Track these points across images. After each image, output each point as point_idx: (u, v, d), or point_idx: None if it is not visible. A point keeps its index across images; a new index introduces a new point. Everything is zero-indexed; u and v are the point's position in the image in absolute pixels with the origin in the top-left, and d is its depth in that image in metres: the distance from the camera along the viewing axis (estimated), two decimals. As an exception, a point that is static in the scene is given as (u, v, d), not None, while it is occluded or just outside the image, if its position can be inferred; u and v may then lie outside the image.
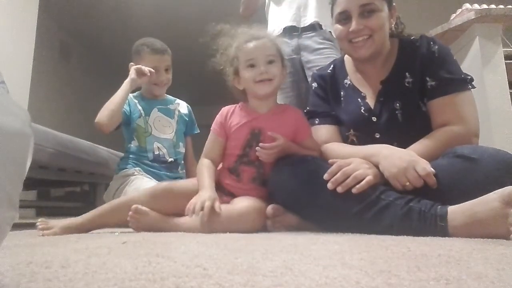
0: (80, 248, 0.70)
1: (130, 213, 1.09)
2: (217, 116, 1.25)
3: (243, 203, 1.09)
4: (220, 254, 0.59)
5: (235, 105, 1.27)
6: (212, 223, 1.03)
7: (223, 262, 0.51)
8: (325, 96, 1.28)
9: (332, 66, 1.31)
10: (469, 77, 1.09)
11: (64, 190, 4.02)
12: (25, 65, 2.99)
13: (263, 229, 1.11)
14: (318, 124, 1.27)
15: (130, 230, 1.21)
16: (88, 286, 0.38)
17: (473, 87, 1.09)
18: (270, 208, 1.10)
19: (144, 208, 1.11)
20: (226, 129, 1.22)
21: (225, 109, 1.26)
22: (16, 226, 1.19)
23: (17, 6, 2.93)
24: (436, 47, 1.11)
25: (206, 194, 1.06)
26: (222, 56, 1.23)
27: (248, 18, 2.08)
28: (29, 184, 2.03)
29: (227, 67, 1.22)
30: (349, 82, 1.24)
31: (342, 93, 1.25)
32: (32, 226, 1.22)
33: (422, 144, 1.03)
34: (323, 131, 1.25)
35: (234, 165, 1.20)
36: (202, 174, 1.16)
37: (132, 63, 1.74)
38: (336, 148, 1.19)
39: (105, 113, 1.58)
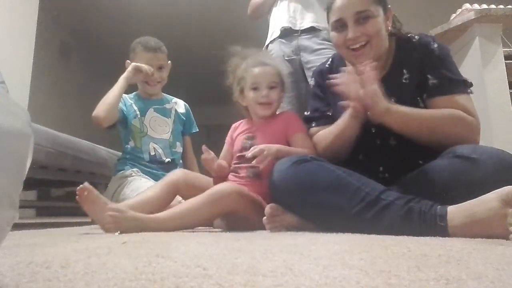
0: (80, 248, 0.70)
1: (109, 212, 1.03)
2: (230, 130, 1.47)
3: (222, 184, 1.18)
4: (220, 254, 0.59)
5: (241, 120, 1.47)
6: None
7: (223, 262, 0.51)
8: (323, 95, 1.28)
9: (330, 60, 1.32)
10: (469, 81, 1.10)
11: (64, 190, 4.02)
12: (25, 65, 2.99)
13: (263, 228, 1.11)
14: (314, 126, 1.28)
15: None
16: (88, 286, 0.38)
17: (472, 92, 1.09)
18: (269, 208, 1.10)
19: (121, 207, 1.08)
20: (233, 139, 1.42)
21: (234, 124, 1.47)
22: (16, 226, 1.19)
23: (17, 6, 2.93)
24: (436, 45, 1.11)
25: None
26: (231, 74, 1.41)
27: (255, 20, 2.09)
28: (29, 184, 2.03)
29: (234, 85, 1.39)
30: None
31: None
32: (32, 226, 1.22)
33: (414, 108, 1.05)
34: (319, 133, 1.25)
35: (235, 166, 1.34)
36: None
37: (128, 61, 1.74)
38: (322, 133, 1.22)
39: (102, 107, 1.59)
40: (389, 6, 1.15)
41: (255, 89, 1.32)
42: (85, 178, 2.15)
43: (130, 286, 0.38)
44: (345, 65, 1.25)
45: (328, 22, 1.20)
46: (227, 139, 1.45)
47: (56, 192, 4.10)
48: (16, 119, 0.42)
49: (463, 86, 1.08)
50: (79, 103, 5.08)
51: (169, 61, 1.79)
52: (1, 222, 0.39)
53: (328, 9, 1.17)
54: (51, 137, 1.73)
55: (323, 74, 1.29)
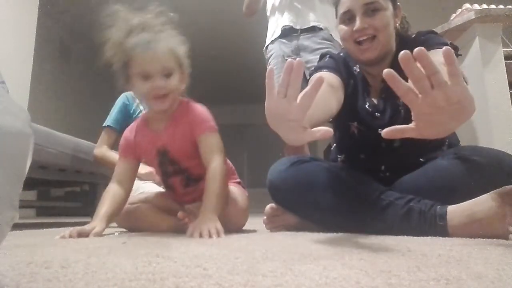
0: (80, 248, 0.70)
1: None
2: (121, 140, 1.19)
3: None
4: (220, 254, 0.59)
5: (134, 123, 1.20)
6: None
7: (223, 262, 0.51)
8: (338, 68, 1.18)
9: (341, 53, 1.25)
10: (455, 45, 1.05)
11: (64, 190, 4.02)
12: (25, 65, 2.99)
13: (263, 228, 1.11)
14: (324, 72, 1.14)
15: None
16: (88, 286, 0.38)
17: (460, 54, 1.05)
18: (268, 208, 1.11)
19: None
20: (136, 150, 1.16)
21: (127, 131, 1.20)
22: (16, 226, 1.19)
23: (17, 6, 2.93)
24: (427, 35, 1.09)
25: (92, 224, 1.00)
26: (110, 50, 1.03)
27: (251, 18, 2.09)
28: (29, 184, 2.03)
29: (117, 66, 1.06)
30: (358, 69, 1.19)
31: (351, 81, 1.20)
32: (32, 226, 1.22)
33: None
34: (325, 75, 1.11)
35: (165, 181, 1.20)
36: (102, 202, 1.08)
37: None
38: None
39: None
40: (398, 4, 1.14)
41: (145, 78, 1.04)
42: (85, 178, 2.16)
43: (130, 286, 0.38)
44: (353, 62, 1.20)
45: (336, 16, 1.18)
46: (124, 151, 1.17)
47: (56, 192, 4.10)
48: (16, 119, 0.42)
49: (443, 44, 1.00)
50: (79, 103, 5.08)
51: None
52: (1, 222, 0.39)
53: (337, 2, 1.15)
54: (51, 137, 1.73)
55: (337, 58, 1.21)
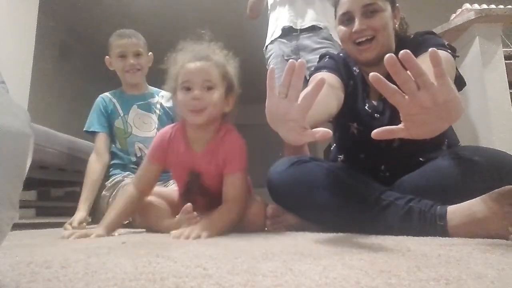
0: (80, 248, 0.70)
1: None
2: (153, 144, 1.16)
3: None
4: (220, 254, 0.59)
5: (171, 129, 1.16)
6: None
7: (223, 262, 0.51)
8: (338, 69, 1.18)
9: (341, 53, 1.25)
10: (453, 47, 1.04)
11: (64, 190, 4.02)
12: (25, 65, 2.99)
13: (263, 229, 1.11)
14: (323, 72, 1.14)
15: (130, 230, 1.21)
16: (88, 286, 0.38)
17: (457, 55, 1.03)
18: (269, 208, 1.11)
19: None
20: (165, 159, 1.14)
21: (162, 136, 1.16)
22: (16, 226, 1.19)
23: (17, 6, 2.93)
24: (425, 36, 1.09)
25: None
26: (168, 71, 1.11)
27: (255, 19, 2.10)
28: (29, 184, 2.03)
29: (170, 83, 1.11)
30: (358, 70, 1.19)
31: (351, 82, 1.20)
32: (32, 226, 1.22)
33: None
34: (325, 75, 1.11)
35: (187, 196, 1.18)
36: (116, 204, 1.10)
37: (107, 57, 1.71)
38: None
39: None
40: (397, 5, 1.14)
41: (187, 89, 1.05)
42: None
43: (130, 286, 0.38)
44: (352, 62, 1.20)
45: (335, 17, 1.18)
46: (153, 156, 1.15)
47: (56, 192, 4.10)
48: (15, 119, 0.42)
49: (438, 45, 0.99)
50: (79, 103, 5.07)
51: (150, 53, 1.72)
52: (1, 222, 0.39)
53: (336, 3, 1.15)
54: (51, 137, 1.73)
55: (337, 59, 1.21)
